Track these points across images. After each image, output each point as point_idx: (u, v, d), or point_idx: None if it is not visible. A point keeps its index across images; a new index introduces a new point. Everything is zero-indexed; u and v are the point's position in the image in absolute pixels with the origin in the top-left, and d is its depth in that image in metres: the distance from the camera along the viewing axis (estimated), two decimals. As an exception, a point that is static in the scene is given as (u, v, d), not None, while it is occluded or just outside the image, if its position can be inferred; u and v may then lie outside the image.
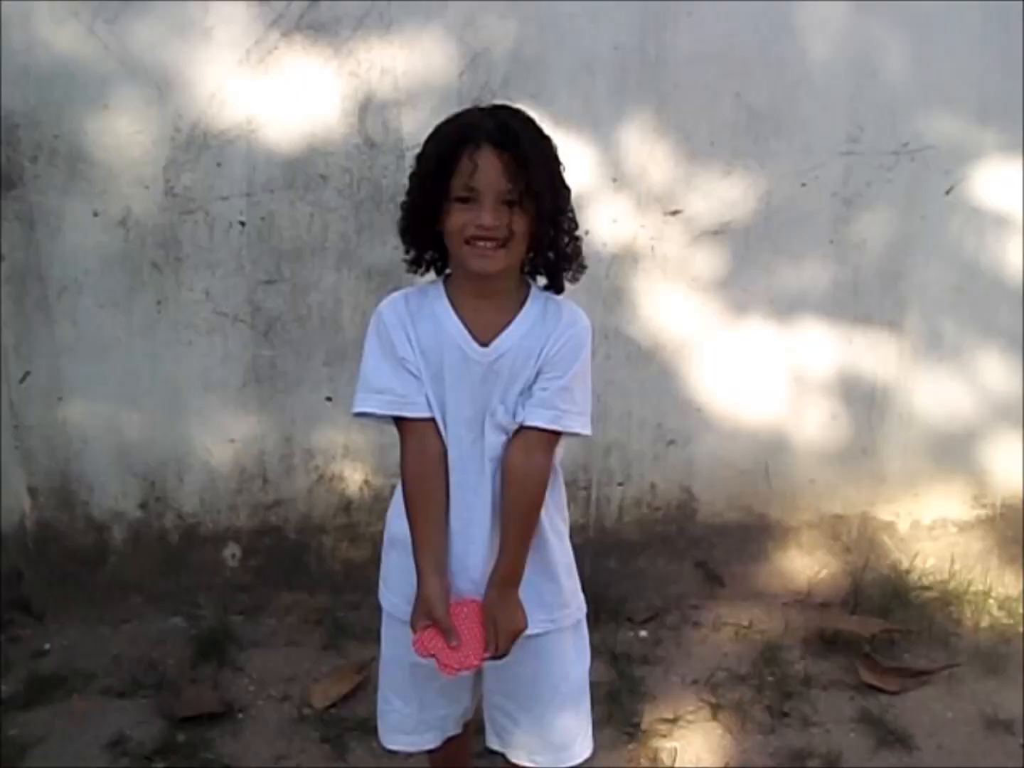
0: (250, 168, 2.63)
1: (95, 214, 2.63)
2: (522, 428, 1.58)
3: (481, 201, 1.51)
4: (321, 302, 2.72)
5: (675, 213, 2.71)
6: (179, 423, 2.78)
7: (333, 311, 2.72)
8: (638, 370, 2.81)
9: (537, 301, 1.62)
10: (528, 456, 1.58)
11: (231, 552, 2.87)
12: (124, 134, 2.59)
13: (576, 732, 1.76)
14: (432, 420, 1.59)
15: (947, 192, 2.77)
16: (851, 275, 2.80)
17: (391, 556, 1.72)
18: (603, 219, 2.68)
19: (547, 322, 1.59)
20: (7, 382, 2.71)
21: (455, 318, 1.59)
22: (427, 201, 1.56)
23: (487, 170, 1.49)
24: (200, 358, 2.74)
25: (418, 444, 1.60)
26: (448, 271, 1.65)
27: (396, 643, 1.73)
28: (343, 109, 2.60)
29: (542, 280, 1.65)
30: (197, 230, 2.66)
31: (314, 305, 2.72)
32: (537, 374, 1.58)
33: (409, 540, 1.60)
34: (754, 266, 2.77)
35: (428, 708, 1.76)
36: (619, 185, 2.65)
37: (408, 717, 1.77)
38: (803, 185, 2.73)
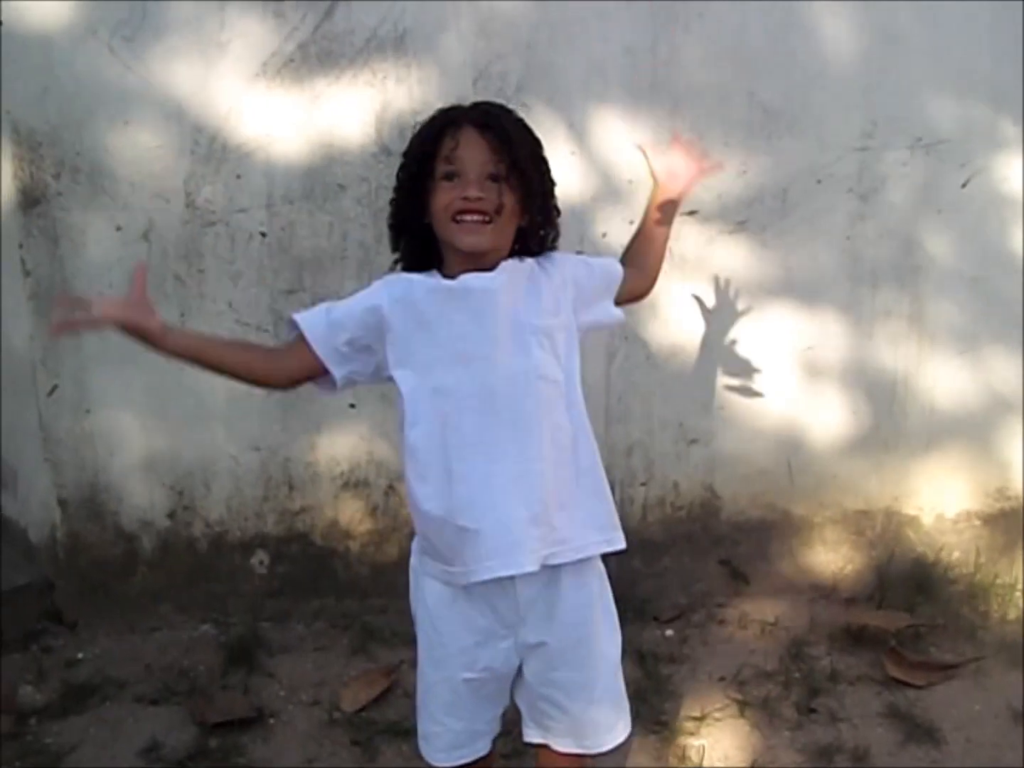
0: (269, 179, 2.66)
1: (118, 228, 2.67)
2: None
3: (465, 175, 1.55)
4: (342, 310, 2.74)
5: (692, 213, 2.71)
6: (205, 432, 2.81)
7: (354, 319, 2.74)
8: (658, 370, 2.82)
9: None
10: None
11: (259, 559, 2.90)
12: (145, 149, 2.62)
13: (615, 717, 1.76)
14: (308, 353, 1.69)
15: (963, 185, 2.76)
16: (869, 270, 2.81)
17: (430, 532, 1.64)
18: (619, 221, 2.69)
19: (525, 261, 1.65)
20: (36, 395, 2.75)
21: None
22: (413, 187, 1.59)
23: (469, 146, 1.55)
24: (224, 368, 2.76)
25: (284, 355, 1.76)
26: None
27: (442, 663, 1.70)
28: (359, 119, 2.63)
29: None
30: (218, 242, 2.69)
31: (335, 313, 2.74)
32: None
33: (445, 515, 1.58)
34: (772, 264, 2.78)
35: (478, 718, 1.74)
36: (635, 187, 2.66)
37: (461, 733, 1.74)
38: (818, 182, 2.73)
